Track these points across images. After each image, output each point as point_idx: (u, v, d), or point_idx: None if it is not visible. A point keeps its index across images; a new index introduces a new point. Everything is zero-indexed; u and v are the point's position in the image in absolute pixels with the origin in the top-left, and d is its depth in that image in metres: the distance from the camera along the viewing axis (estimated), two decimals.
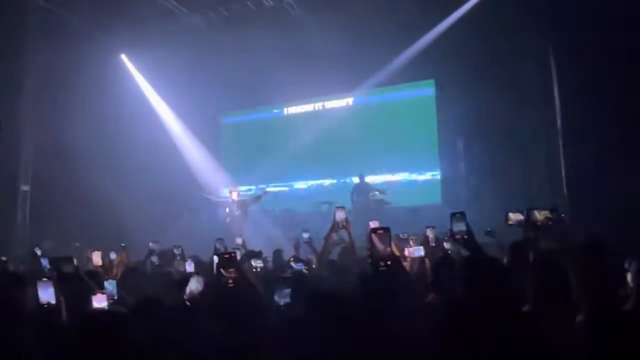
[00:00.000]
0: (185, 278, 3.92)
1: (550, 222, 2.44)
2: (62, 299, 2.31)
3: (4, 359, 1.50)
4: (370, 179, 10.26)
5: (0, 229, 8.62)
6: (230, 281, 2.22)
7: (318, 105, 11.93)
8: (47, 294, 2.30)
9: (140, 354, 1.66)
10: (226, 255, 2.33)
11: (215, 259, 2.83)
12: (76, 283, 2.86)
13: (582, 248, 2.25)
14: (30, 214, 9.51)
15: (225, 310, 2.12)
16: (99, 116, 10.00)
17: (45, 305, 2.25)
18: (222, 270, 2.25)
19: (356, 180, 10.25)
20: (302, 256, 4.64)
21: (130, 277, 3.89)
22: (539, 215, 2.49)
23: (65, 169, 9.32)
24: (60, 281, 2.47)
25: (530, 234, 2.49)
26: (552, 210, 2.49)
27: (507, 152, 8.56)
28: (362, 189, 10.08)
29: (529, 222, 2.52)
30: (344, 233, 3.76)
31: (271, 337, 1.84)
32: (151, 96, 11.98)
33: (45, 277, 3.30)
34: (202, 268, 4.48)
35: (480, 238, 3.13)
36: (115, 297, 2.89)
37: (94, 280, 3.10)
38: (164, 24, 10.79)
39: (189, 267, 4.48)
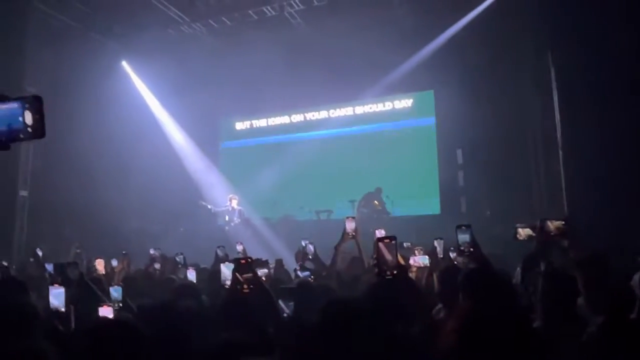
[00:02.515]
0: (187, 285, 3.91)
1: (562, 234, 2.45)
2: (72, 306, 2.29)
3: None
4: (370, 190, 10.27)
5: None
6: (246, 287, 2.22)
7: (318, 114, 11.99)
8: (57, 301, 2.28)
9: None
10: (243, 261, 2.32)
11: (223, 267, 2.82)
12: (82, 290, 2.85)
13: (591, 260, 2.26)
14: (29, 219, 9.45)
15: (241, 316, 2.12)
16: (99, 122, 10.00)
17: (55, 312, 2.24)
18: (237, 275, 2.24)
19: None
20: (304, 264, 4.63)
21: (134, 284, 3.87)
22: (552, 225, 2.50)
23: (64, 175, 9.29)
24: (67, 287, 2.45)
25: (542, 245, 2.50)
26: (565, 222, 2.50)
27: (506, 163, 8.61)
28: (371, 199, 10.03)
29: (541, 233, 2.53)
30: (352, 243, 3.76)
31: (285, 342, 1.84)
32: (152, 103, 12.00)
33: (46, 282, 3.29)
34: (203, 276, 4.48)
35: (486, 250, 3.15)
36: (121, 304, 2.89)
37: (98, 287, 3.08)
38: (166, 31, 10.86)
39: (191, 275, 4.48)
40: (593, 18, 6.78)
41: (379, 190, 10.04)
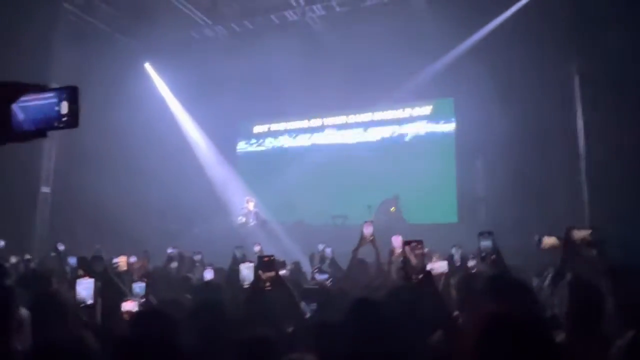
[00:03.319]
0: (206, 284, 3.95)
1: (588, 243, 2.40)
2: (99, 299, 2.32)
3: None
4: (387, 196, 10.23)
5: (20, 229, 8.73)
6: (268, 284, 2.23)
7: (336, 119, 12.01)
8: (85, 294, 2.31)
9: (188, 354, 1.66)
10: (265, 259, 2.34)
11: (243, 268, 2.83)
12: (106, 284, 2.89)
13: (620, 271, 2.21)
14: (50, 215, 9.63)
15: (263, 313, 2.13)
16: (122, 122, 10.16)
17: (82, 305, 2.27)
18: (260, 273, 2.26)
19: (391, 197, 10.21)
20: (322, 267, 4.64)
21: (152, 281, 3.91)
22: (578, 234, 2.45)
23: (86, 172, 9.45)
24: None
25: (568, 255, 2.45)
26: (592, 231, 2.46)
27: (527, 173, 8.48)
28: (389, 206, 10.01)
29: (567, 242, 2.48)
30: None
31: (308, 340, 1.84)
32: (172, 104, 12.17)
33: (67, 277, 3.32)
34: (220, 276, 4.51)
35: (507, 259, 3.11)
36: (143, 300, 2.92)
37: (121, 281, 3.13)
38: (189, 34, 11.02)
39: (209, 274, 4.51)
40: (618, 28, 6.69)
41: (395, 197, 10.00)
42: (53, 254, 5.90)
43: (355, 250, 3.60)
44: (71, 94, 1.12)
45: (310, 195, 11.07)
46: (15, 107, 1.09)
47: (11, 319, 1.57)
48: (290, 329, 2.18)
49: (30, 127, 1.12)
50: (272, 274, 2.28)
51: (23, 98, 1.11)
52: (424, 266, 2.18)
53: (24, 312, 1.93)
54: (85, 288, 2.31)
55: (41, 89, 1.14)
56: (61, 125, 1.12)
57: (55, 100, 1.11)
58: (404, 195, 10.08)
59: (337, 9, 10.04)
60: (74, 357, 1.40)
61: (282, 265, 3.89)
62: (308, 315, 2.62)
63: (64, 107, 1.11)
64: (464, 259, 3.98)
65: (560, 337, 2.21)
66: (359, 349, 1.67)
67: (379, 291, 2.84)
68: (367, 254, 3.83)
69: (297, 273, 4.69)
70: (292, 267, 4.87)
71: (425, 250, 5.01)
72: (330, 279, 3.56)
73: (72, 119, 1.12)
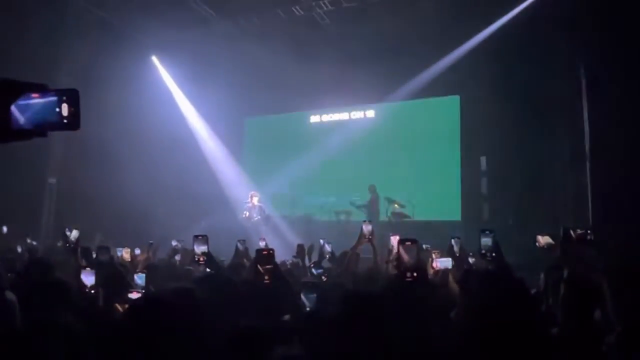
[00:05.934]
0: (206, 276, 3.98)
1: (585, 242, 2.42)
2: (100, 289, 2.37)
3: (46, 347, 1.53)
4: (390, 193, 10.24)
5: (27, 220, 8.83)
6: (267, 277, 2.26)
7: (342, 115, 12.01)
8: (88, 283, 2.36)
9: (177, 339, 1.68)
10: (264, 252, 2.37)
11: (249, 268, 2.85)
12: (111, 273, 2.94)
13: (616, 270, 2.23)
14: (57, 206, 9.73)
15: (260, 305, 2.16)
16: (128, 114, 10.23)
17: (84, 293, 2.32)
18: (259, 266, 2.29)
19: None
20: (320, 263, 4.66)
21: (155, 272, 3.96)
22: (574, 234, 2.48)
23: (93, 164, 9.53)
24: (97, 270, 2.53)
25: (565, 253, 2.47)
26: (590, 231, 2.48)
27: (531, 172, 8.47)
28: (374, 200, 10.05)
29: (565, 242, 2.50)
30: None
31: (302, 333, 1.87)
32: (179, 98, 12.23)
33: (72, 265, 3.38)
34: (221, 269, 4.54)
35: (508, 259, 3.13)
36: (144, 291, 2.97)
37: (126, 272, 3.17)
38: (196, 28, 11.05)
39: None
40: (627, 29, 6.64)
41: (372, 188, 10.00)
42: (59, 243, 5.97)
43: (354, 248, 3.63)
44: (72, 96, 1.11)
45: (314, 191, 11.10)
46: (14, 105, 1.07)
47: None
48: (286, 320, 2.21)
49: (29, 126, 1.09)
50: (271, 267, 2.31)
51: (23, 96, 1.09)
52: (418, 264, 2.20)
53: (9, 295, 2.00)
54: (88, 278, 2.37)
55: (42, 88, 1.12)
56: (62, 127, 1.10)
57: (56, 101, 1.10)
58: (408, 192, 10.08)
59: (345, 4, 10.02)
60: (64, 339, 1.44)
61: None
62: (308, 307, 2.65)
63: (65, 109, 1.10)
64: (463, 251, 4.00)
65: (554, 330, 2.24)
66: (349, 341, 1.70)
67: (372, 282, 2.87)
68: (366, 253, 3.86)
69: (296, 267, 4.73)
70: (292, 261, 4.90)
71: (428, 246, 5.05)
72: (325, 273, 3.61)
73: (73, 122, 1.10)
